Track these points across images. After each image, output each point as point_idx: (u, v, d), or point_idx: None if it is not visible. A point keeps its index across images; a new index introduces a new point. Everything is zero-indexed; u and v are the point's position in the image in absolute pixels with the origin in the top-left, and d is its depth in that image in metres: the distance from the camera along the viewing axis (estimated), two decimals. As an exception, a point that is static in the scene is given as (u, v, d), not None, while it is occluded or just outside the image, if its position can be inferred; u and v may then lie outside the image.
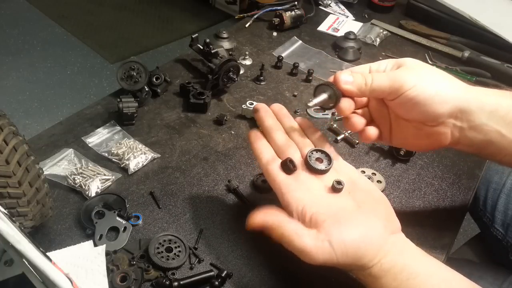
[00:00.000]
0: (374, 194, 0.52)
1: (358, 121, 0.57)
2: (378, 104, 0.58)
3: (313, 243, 0.46)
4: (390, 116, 0.57)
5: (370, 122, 0.59)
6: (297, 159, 0.54)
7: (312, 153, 0.54)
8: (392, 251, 0.47)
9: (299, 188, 0.51)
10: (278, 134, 0.57)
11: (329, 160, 0.53)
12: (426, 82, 0.52)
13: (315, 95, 0.56)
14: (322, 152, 0.54)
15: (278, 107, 0.61)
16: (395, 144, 0.60)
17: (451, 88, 0.53)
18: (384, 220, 0.49)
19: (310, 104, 0.55)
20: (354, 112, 0.57)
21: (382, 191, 0.71)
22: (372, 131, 0.58)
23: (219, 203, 0.67)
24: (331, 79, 0.55)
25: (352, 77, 0.54)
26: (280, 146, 0.56)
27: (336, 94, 0.53)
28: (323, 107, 0.56)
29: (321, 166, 0.53)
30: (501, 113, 0.53)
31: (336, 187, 0.51)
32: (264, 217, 0.49)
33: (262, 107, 0.60)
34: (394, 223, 0.50)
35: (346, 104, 0.54)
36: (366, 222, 0.48)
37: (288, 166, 0.52)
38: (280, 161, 0.54)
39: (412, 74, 0.52)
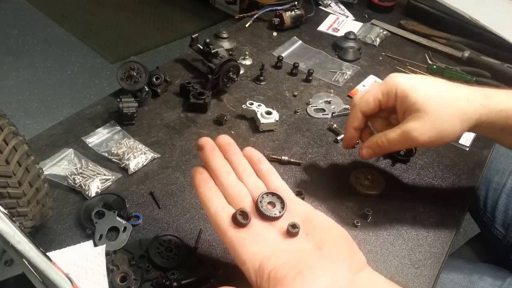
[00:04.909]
0: (334, 231, 0.49)
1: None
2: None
3: None
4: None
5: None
6: (248, 205, 0.49)
7: (263, 198, 0.49)
8: None
9: (253, 242, 0.46)
10: (227, 178, 0.51)
11: (282, 202, 0.49)
12: (438, 127, 0.58)
13: None
14: (274, 194, 0.50)
15: (225, 140, 0.54)
16: None
17: (462, 118, 0.58)
18: (348, 259, 0.45)
19: None
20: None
21: (383, 191, 0.71)
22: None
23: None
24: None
25: (372, 150, 0.65)
26: (230, 192, 0.50)
27: None
28: None
29: (274, 212, 0.48)
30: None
31: (292, 232, 0.46)
32: None
33: (207, 143, 0.53)
34: (359, 259, 0.47)
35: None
36: (329, 268, 0.44)
37: (239, 221, 0.47)
38: (230, 209, 0.49)
39: (421, 124, 0.58)
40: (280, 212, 0.49)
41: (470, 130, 0.60)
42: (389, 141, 0.62)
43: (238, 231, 0.47)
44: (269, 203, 0.50)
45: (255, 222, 0.48)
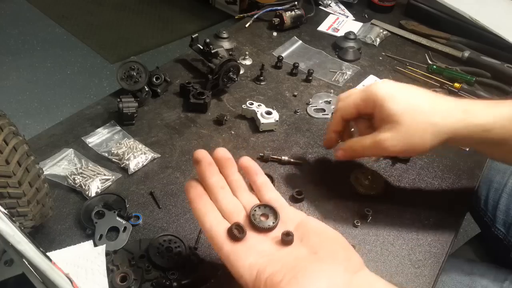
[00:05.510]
0: (328, 234, 0.49)
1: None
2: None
3: None
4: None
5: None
6: (242, 219, 0.50)
7: (255, 211, 0.50)
8: None
9: (249, 254, 0.46)
10: (222, 193, 0.51)
11: (275, 213, 0.50)
12: (409, 140, 0.59)
13: None
14: (266, 206, 0.51)
15: (223, 155, 0.53)
16: None
17: (434, 133, 0.59)
18: (344, 261, 0.45)
19: None
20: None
21: (383, 191, 0.71)
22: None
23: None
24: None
25: (346, 153, 0.66)
26: (224, 207, 0.51)
27: None
28: None
29: (268, 223, 0.49)
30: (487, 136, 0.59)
31: (286, 240, 0.47)
32: None
33: (203, 157, 0.52)
34: (355, 260, 0.47)
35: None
36: (326, 271, 0.44)
37: (234, 235, 0.47)
38: (225, 224, 0.49)
39: (393, 136, 0.60)
40: (273, 222, 0.49)
41: (445, 143, 0.61)
42: (363, 147, 0.64)
43: (234, 245, 0.47)
44: (262, 215, 0.50)
45: (250, 235, 0.48)
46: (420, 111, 0.59)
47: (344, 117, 0.67)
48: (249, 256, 0.46)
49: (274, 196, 0.53)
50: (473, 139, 0.60)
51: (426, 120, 0.59)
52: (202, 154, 0.52)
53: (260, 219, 0.50)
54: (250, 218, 0.49)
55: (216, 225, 0.49)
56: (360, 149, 0.65)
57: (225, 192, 0.52)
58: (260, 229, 0.49)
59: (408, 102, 0.60)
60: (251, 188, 0.54)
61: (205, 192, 0.51)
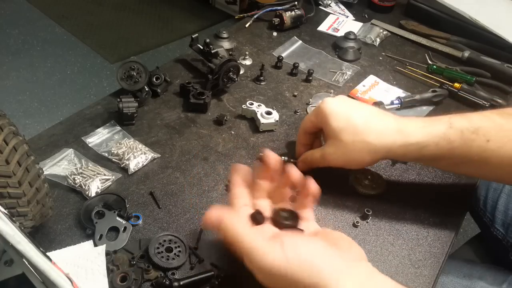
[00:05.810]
0: (333, 234, 0.52)
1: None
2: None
3: (263, 243, 0.47)
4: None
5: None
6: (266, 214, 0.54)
7: (279, 211, 0.54)
8: (355, 279, 0.44)
9: (259, 235, 0.50)
10: (263, 194, 0.57)
11: (296, 219, 0.54)
12: (348, 156, 0.64)
13: None
14: (291, 212, 0.54)
15: (296, 176, 0.57)
16: None
17: (370, 151, 0.63)
18: (346, 249, 0.48)
19: None
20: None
21: (383, 191, 0.71)
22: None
23: (219, 203, 0.67)
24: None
25: (305, 164, 0.70)
26: (257, 202, 0.56)
27: None
28: None
29: (287, 222, 0.53)
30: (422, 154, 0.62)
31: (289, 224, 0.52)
32: (221, 214, 0.49)
33: (272, 160, 0.56)
34: (358, 252, 0.49)
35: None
36: (325, 244, 0.47)
37: (256, 218, 0.52)
38: (251, 211, 0.53)
39: (334, 151, 0.65)
40: (291, 222, 0.53)
41: (382, 158, 0.65)
42: (313, 160, 0.69)
43: (251, 228, 0.51)
44: (285, 218, 0.53)
45: (268, 227, 0.52)
46: (356, 130, 0.63)
47: (305, 131, 0.71)
48: (259, 237, 0.49)
49: (307, 214, 0.56)
50: (410, 156, 0.63)
51: (361, 139, 0.62)
52: (272, 159, 0.56)
53: (282, 216, 0.53)
54: (272, 215, 0.53)
55: (242, 207, 0.54)
56: (312, 161, 0.69)
57: (265, 194, 0.57)
58: (282, 225, 0.52)
59: (347, 120, 0.63)
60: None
61: (247, 181, 0.57)
